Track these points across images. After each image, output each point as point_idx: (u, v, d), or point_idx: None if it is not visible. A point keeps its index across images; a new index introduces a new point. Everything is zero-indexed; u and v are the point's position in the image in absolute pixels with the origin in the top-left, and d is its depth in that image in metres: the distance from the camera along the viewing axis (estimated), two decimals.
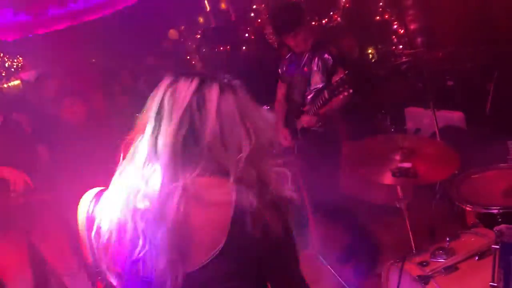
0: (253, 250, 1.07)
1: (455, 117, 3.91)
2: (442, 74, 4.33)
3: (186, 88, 1.11)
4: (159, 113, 1.12)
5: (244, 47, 5.11)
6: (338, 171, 3.27)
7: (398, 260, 2.07)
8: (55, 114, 3.58)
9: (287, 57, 3.44)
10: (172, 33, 5.65)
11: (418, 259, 2.03)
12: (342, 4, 5.63)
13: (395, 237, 3.09)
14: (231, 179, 1.06)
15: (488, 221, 2.13)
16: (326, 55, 3.11)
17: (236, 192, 1.06)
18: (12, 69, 5.26)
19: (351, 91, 2.87)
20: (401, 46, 5.66)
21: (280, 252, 1.11)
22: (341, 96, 2.97)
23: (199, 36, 5.24)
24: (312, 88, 3.21)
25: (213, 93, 1.11)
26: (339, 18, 5.67)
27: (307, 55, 3.20)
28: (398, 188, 2.36)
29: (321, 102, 3.06)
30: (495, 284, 1.63)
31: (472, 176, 2.46)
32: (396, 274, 2.04)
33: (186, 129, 1.08)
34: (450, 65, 4.34)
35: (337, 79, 2.94)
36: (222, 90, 1.12)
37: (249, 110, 1.14)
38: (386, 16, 5.65)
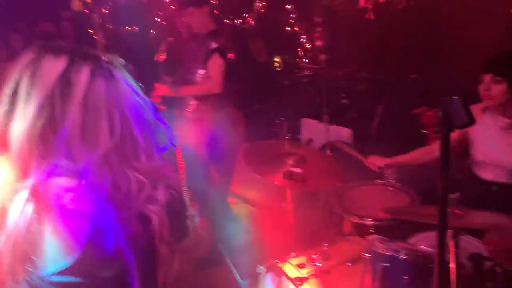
0: (108, 267, 0.95)
1: (345, 132, 4.20)
2: (339, 92, 4.63)
3: (51, 69, 0.94)
4: (15, 94, 0.93)
5: (152, 31, 4.93)
6: (232, 168, 3.33)
7: (276, 261, 2.14)
8: None
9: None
10: (75, 3, 5.21)
11: (296, 261, 2.11)
12: (257, 8, 5.74)
13: (278, 239, 3.20)
14: (83, 182, 0.92)
15: (362, 231, 2.30)
16: (213, 43, 3.21)
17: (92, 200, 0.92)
18: None
19: None
20: (305, 60, 5.93)
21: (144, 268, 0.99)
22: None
23: (106, 11, 4.92)
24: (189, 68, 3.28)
25: (81, 78, 0.95)
26: (252, 21, 5.76)
27: (200, 39, 3.27)
28: (287, 190, 2.44)
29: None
30: None
31: (352, 189, 2.65)
32: (274, 275, 2.09)
33: (45, 118, 0.92)
34: (346, 85, 4.65)
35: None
36: (93, 75, 0.96)
37: (124, 100, 0.99)
38: (296, 29, 5.87)
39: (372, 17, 4.23)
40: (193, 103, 3.30)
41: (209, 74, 3.25)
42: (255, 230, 3.58)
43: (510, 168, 2.23)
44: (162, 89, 3.28)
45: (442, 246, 0.93)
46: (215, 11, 5.11)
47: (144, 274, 1.00)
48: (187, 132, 3.25)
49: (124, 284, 0.97)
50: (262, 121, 4.56)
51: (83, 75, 0.95)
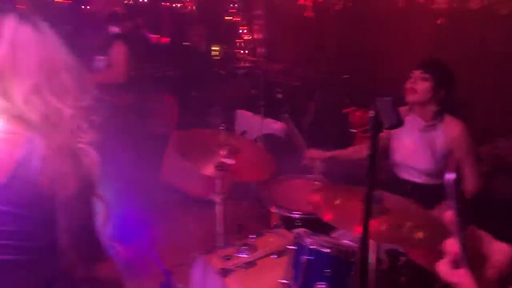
0: (35, 196, 1.01)
1: (278, 126, 4.25)
2: (274, 86, 4.67)
3: None
4: None
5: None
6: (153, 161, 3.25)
7: (203, 252, 2.12)
8: None
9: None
10: None
11: (223, 252, 2.10)
12: None
13: (207, 230, 3.17)
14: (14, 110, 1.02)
15: (289, 224, 2.34)
16: (114, 28, 3.11)
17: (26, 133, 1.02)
18: None
19: None
20: (244, 52, 5.92)
21: (67, 208, 1.04)
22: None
23: None
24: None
25: (9, 21, 1.08)
26: (194, 7, 5.63)
27: (100, 21, 3.15)
28: (217, 181, 2.42)
29: None
30: (286, 281, 1.79)
31: (281, 182, 2.70)
32: (201, 266, 2.07)
33: None
34: (282, 80, 4.71)
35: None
36: (20, 21, 1.09)
37: (52, 46, 1.12)
38: (237, 19, 5.84)
39: (311, 15, 4.30)
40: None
41: (112, 61, 3.13)
42: (183, 220, 3.53)
43: (422, 169, 2.39)
44: None
45: (365, 240, 0.96)
46: None
47: (69, 213, 1.05)
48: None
49: (50, 221, 1.01)
50: (198, 109, 4.48)
51: (10, 18, 1.08)
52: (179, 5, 5.62)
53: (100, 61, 3.11)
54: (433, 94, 2.34)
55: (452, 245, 0.50)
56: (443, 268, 0.52)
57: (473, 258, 0.52)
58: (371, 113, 0.92)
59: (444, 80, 2.37)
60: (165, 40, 5.39)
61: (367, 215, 0.96)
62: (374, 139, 0.94)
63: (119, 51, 3.11)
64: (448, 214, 0.49)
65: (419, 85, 2.35)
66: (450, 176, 0.48)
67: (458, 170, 0.51)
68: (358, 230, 1.36)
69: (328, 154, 2.76)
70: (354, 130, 3.80)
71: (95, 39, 3.13)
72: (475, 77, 3.51)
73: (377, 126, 0.92)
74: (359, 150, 2.79)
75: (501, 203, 2.80)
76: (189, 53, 5.61)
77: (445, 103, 2.37)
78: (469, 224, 0.54)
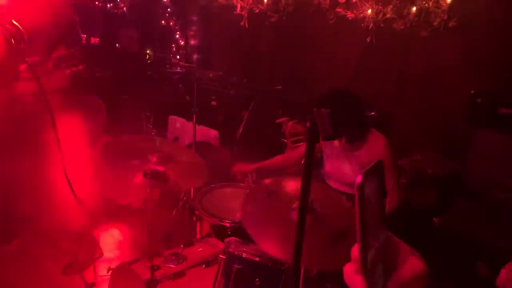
0: None
1: (212, 134, 4.22)
2: (209, 93, 4.65)
3: None
4: None
5: None
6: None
7: (128, 263, 2.03)
8: None
9: None
10: None
11: (151, 262, 2.02)
12: None
13: (133, 238, 3.06)
14: None
15: (221, 233, 2.32)
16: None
17: None
18: None
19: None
20: (178, 57, 5.83)
21: None
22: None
23: None
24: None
25: None
26: (125, 8, 5.45)
27: None
28: (147, 189, 2.34)
29: None
30: None
31: (213, 190, 2.68)
32: (125, 276, 1.98)
33: None
34: (217, 88, 4.69)
35: None
36: None
37: None
38: (171, 23, 5.74)
39: (246, 25, 4.35)
40: None
41: None
42: (111, 229, 3.37)
43: (350, 182, 2.49)
44: None
45: (299, 247, 0.96)
46: None
47: None
48: None
49: None
50: (128, 113, 4.33)
51: None
52: (109, 4, 5.42)
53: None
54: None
55: (356, 249, 0.51)
56: (347, 270, 0.53)
57: (387, 266, 0.54)
58: (307, 124, 0.94)
59: (338, 119, 2.38)
60: (95, 40, 5.17)
61: (302, 223, 0.97)
62: (309, 148, 0.96)
63: None
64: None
65: None
66: (358, 179, 0.49)
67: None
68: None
69: (256, 165, 2.79)
70: (285, 140, 3.89)
71: None
72: (397, 94, 3.74)
73: (313, 136, 0.94)
74: (288, 159, 2.87)
75: (418, 214, 3.00)
76: (119, 55, 5.42)
77: (357, 130, 2.41)
78: (386, 232, 0.55)
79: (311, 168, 0.96)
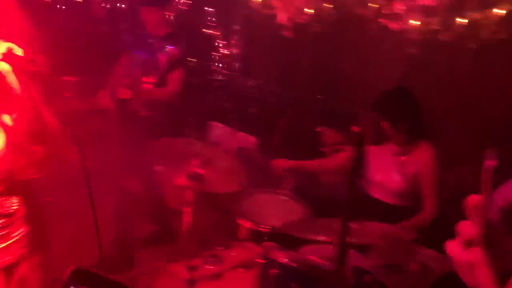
0: None
1: (250, 140, 4.27)
2: (249, 101, 4.71)
3: None
4: None
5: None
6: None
7: (168, 262, 2.09)
8: None
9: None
10: None
11: (190, 263, 2.07)
12: (177, 4, 5.62)
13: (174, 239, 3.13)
14: None
15: (257, 237, 2.34)
16: (172, 49, 3.16)
17: None
18: None
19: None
20: (219, 65, 5.93)
21: None
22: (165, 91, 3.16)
23: None
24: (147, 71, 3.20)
25: None
26: (172, 17, 5.61)
27: (156, 41, 3.20)
28: (188, 191, 2.40)
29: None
30: None
31: (251, 195, 2.71)
32: (166, 275, 2.04)
33: None
34: (257, 95, 4.75)
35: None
36: None
37: None
38: (214, 32, 5.86)
39: (289, 34, 4.39)
40: None
41: (169, 82, 3.21)
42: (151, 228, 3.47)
43: (393, 189, 2.45)
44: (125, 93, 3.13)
45: (342, 253, 0.97)
46: None
47: None
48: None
49: None
50: (170, 118, 4.45)
51: None
52: None
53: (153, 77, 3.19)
54: (395, 129, 2.39)
55: (467, 226, 0.53)
56: (454, 248, 0.55)
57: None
58: (355, 128, 0.95)
59: (400, 114, 2.38)
60: None
61: (344, 231, 0.98)
62: (356, 152, 0.97)
63: (176, 72, 3.20)
64: (473, 198, 0.53)
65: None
66: (489, 163, 0.52)
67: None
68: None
69: (293, 163, 2.80)
70: (324, 149, 3.87)
71: (151, 59, 3.20)
72: (442, 106, 3.66)
73: (360, 140, 0.95)
74: (325, 164, 2.86)
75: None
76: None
77: (414, 130, 2.41)
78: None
79: (355, 172, 0.97)
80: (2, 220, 1.69)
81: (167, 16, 3.35)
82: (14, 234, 1.74)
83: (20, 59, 1.54)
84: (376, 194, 2.52)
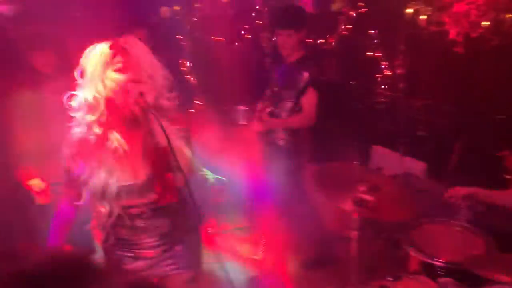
0: None
1: (418, 166, 4.02)
2: (416, 123, 4.47)
3: None
4: None
5: (236, 43, 5.08)
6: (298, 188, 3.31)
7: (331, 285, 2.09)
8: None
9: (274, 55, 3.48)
10: (164, 10, 5.54)
11: None
12: (340, 30, 5.71)
13: (338, 266, 3.13)
14: None
15: (430, 271, 2.18)
16: (305, 73, 3.16)
17: None
18: None
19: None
20: (383, 86, 5.78)
21: None
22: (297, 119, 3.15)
23: (195, 19, 5.15)
24: (280, 98, 3.28)
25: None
26: (333, 43, 5.73)
27: (290, 65, 3.25)
28: (354, 217, 2.38)
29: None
30: None
31: (424, 225, 2.54)
32: None
33: None
34: (425, 117, 4.48)
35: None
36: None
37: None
38: (378, 54, 5.76)
39: (461, 50, 4.05)
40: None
41: (303, 106, 3.21)
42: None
43: None
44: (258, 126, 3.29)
45: None
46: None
47: None
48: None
49: None
50: (331, 143, 4.50)
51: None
52: (321, 41, 5.79)
53: (288, 102, 3.26)
54: None
55: None
56: None
57: None
58: None
59: None
60: None
61: None
62: None
63: (310, 97, 3.19)
64: None
65: None
66: None
67: None
68: None
69: (473, 190, 2.48)
70: (509, 176, 3.41)
71: (286, 81, 3.24)
72: None
73: None
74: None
75: None
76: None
77: None
78: None
79: None
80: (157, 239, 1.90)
81: (302, 39, 3.30)
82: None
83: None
84: None
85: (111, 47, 1.68)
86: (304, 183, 3.29)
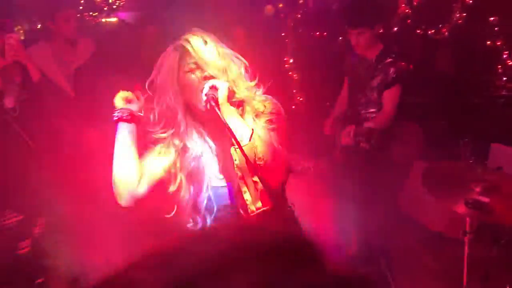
0: None
1: None
2: None
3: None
4: None
5: (340, 38, 4.99)
6: (390, 190, 3.16)
7: None
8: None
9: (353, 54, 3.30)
10: (269, 9, 5.64)
11: None
12: (455, 19, 5.28)
13: (446, 270, 2.94)
14: None
15: None
16: (391, 69, 2.98)
17: None
18: (114, 6, 5.40)
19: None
20: (504, 78, 5.24)
21: None
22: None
23: (299, 15, 5.17)
24: (366, 99, 3.14)
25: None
26: (446, 33, 5.33)
27: (371, 63, 3.10)
28: (468, 220, 2.22)
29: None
30: None
31: None
32: None
33: None
34: None
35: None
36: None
37: None
38: (498, 43, 5.23)
39: None
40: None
41: (383, 106, 3.07)
42: (420, 254, 3.35)
43: None
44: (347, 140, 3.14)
45: None
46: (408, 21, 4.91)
47: None
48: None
49: None
50: (444, 139, 4.21)
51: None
52: (431, 31, 5.42)
53: (371, 102, 3.16)
54: None
55: None
56: None
57: None
58: None
59: None
60: (409, 67, 5.24)
61: None
62: None
63: (392, 95, 3.05)
64: None
65: None
66: None
67: None
68: None
69: None
70: None
71: (367, 80, 3.14)
72: None
73: None
74: None
75: None
76: (436, 81, 5.32)
77: None
78: None
79: None
80: None
81: (377, 35, 3.06)
82: None
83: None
84: None
85: (175, 49, 1.70)
86: (409, 184, 3.14)
